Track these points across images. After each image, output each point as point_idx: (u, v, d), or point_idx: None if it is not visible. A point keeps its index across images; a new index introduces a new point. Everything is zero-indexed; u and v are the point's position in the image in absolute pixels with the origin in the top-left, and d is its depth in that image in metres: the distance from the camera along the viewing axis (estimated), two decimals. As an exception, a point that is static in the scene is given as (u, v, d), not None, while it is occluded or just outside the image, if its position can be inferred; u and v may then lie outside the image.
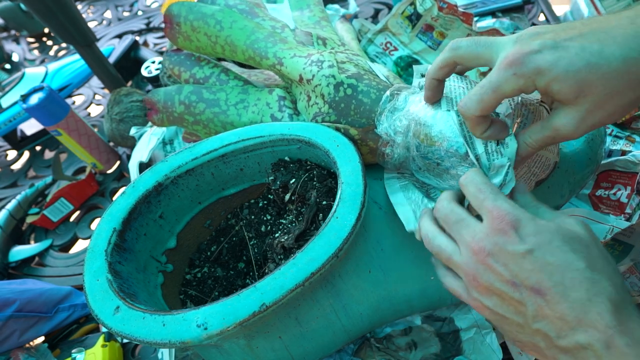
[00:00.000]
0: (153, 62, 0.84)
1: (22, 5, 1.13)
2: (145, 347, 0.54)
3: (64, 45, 1.14)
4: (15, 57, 1.15)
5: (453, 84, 0.38)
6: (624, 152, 0.50)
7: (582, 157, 0.43)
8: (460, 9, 0.61)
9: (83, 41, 0.73)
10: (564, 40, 0.29)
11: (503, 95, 0.31)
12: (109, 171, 0.78)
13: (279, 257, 0.40)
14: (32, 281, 0.60)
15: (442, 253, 0.33)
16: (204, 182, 0.47)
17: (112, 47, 0.92)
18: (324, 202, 0.41)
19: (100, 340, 0.52)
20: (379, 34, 0.71)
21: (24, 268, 0.68)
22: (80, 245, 0.72)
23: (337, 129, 0.44)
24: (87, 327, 0.58)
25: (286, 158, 0.46)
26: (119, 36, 1.07)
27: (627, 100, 0.29)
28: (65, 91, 0.88)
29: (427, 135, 0.38)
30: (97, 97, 0.95)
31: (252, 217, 0.49)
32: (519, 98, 0.36)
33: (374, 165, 0.46)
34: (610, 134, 0.53)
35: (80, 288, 0.61)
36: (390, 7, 0.88)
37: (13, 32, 1.24)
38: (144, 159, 0.64)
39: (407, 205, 0.39)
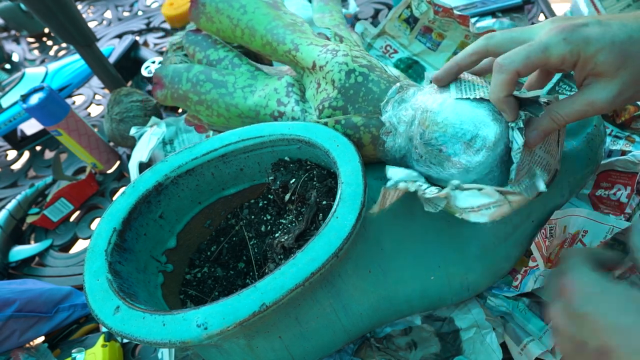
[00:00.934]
0: (153, 62, 0.84)
1: (22, 5, 1.13)
2: (145, 347, 0.54)
3: (64, 45, 1.14)
4: (15, 57, 1.15)
5: (466, 75, 0.39)
6: (623, 152, 0.50)
7: (582, 157, 0.43)
8: (456, 12, 0.61)
9: (83, 41, 0.73)
10: (604, 19, 0.32)
11: (549, 59, 0.32)
12: (109, 171, 0.78)
13: (279, 257, 0.40)
14: (32, 281, 0.60)
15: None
16: (204, 182, 0.47)
17: (112, 47, 0.92)
18: (324, 202, 0.41)
19: (100, 340, 0.52)
20: (378, 38, 0.71)
21: (24, 268, 0.68)
22: (80, 245, 0.72)
23: (337, 122, 0.44)
24: (87, 327, 0.58)
25: (286, 158, 0.46)
26: (119, 36, 1.07)
27: None
28: (65, 91, 0.88)
29: (433, 121, 0.38)
30: (97, 97, 0.95)
31: (252, 217, 0.49)
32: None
33: (374, 165, 0.46)
34: (610, 134, 0.53)
35: (80, 288, 0.61)
36: (390, 7, 0.88)
37: (13, 32, 1.24)
38: (144, 159, 0.64)
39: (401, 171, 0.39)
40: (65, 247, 0.71)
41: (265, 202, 0.49)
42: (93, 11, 1.21)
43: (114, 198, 0.60)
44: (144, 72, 0.84)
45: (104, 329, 0.56)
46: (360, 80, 0.44)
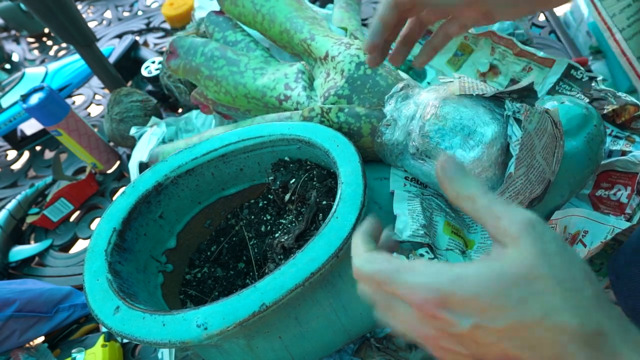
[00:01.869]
0: (153, 62, 0.84)
1: (22, 5, 1.13)
2: (145, 347, 0.54)
3: (64, 45, 1.14)
4: (15, 57, 1.15)
5: (469, 78, 0.41)
6: (624, 153, 0.50)
7: (582, 157, 0.43)
8: None
9: (83, 41, 0.73)
10: None
11: None
12: (109, 171, 0.78)
13: (279, 257, 0.40)
14: (32, 281, 0.60)
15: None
16: (204, 182, 0.47)
17: (112, 47, 0.92)
18: (324, 202, 0.41)
19: (100, 340, 0.52)
20: None
21: (24, 268, 0.68)
22: (80, 245, 0.72)
23: (341, 110, 0.44)
24: (87, 327, 0.58)
25: (286, 158, 0.46)
26: (119, 36, 1.06)
27: None
28: (65, 91, 0.88)
29: (433, 114, 0.39)
30: (97, 97, 0.95)
31: (252, 217, 0.49)
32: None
33: (374, 165, 0.46)
34: (610, 134, 0.53)
35: (80, 288, 0.61)
36: (390, 7, 0.87)
37: (13, 32, 1.24)
38: (144, 159, 0.64)
39: (407, 217, 0.40)
40: (65, 247, 0.71)
41: (265, 202, 0.49)
42: (93, 11, 1.21)
43: (114, 198, 0.60)
44: (144, 72, 0.84)
45: (104, 329, 0.56)
46: (369, 73, 0.46)
